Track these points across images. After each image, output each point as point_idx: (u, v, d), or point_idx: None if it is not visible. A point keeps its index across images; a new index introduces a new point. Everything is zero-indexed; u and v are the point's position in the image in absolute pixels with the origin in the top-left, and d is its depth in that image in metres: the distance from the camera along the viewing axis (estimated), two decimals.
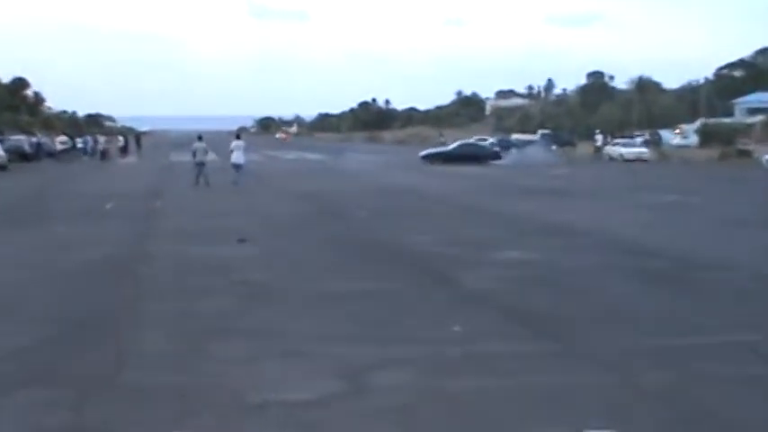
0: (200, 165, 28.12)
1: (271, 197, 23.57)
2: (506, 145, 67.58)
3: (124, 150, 56.80)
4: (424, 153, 47.56)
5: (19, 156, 47.59)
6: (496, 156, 47.08)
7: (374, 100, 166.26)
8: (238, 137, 29.69)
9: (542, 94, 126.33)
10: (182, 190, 26.14)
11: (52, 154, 52.14)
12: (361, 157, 55.04)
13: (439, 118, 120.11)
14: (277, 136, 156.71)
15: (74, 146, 54.99)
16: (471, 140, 56.20)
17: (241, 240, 13.84)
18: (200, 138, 29.34)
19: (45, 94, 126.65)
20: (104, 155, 52.66)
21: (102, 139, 55.98)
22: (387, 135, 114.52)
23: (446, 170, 39.10)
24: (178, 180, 30.50)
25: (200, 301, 8.99)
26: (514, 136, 78.23)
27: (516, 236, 14.69)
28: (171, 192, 25.67)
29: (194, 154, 28.65)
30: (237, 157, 28.50)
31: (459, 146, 48.87)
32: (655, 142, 61.53)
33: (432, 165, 43.21)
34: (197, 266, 11.33)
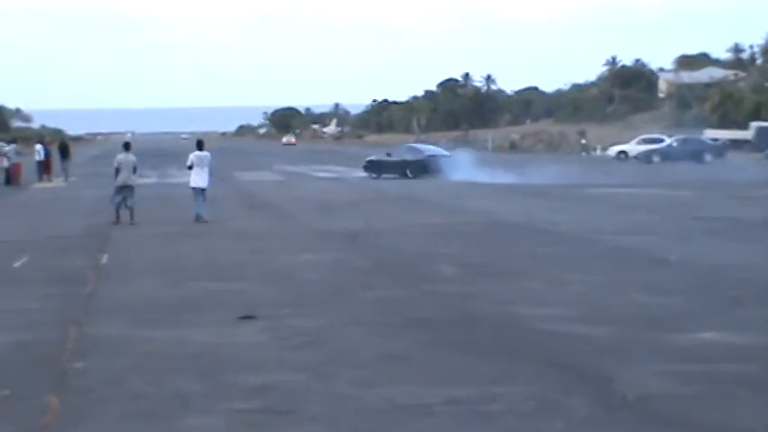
0: (125, 189, 29.10)
1: (293, 241, 23.82)
2: (698, 149, 67.17)
3: (45, 168, 57.83)
4: (368, 159, 57.54)
5: None
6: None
7: (467, 77, 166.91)
8: (200, 146, 30.47)
9: (758, 60, 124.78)
10: (141, 233, 26.60)
11: None
12: (447, 172, 55.12)
13: (577, 106, 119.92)
14: (284, 141, 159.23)
15: None
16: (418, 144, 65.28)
17: (245, 317, 14.02)
18: (126, 146, 30.40)
19: None
20: (11, 176, 53.79)
21: (7, 148, 56.98)
22: (489, 134, 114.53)
23: (584, 195, 39.01)
24: (136, 215, 31.00)
25: None
26: (710, 133, 77.66)
27: (715, 305, 14.59)
28: (124, 236, 26.16)
29: (117, 172, 29.41)
30: (198, 176, 29.51)
31: (402, 150, 58.24)
32: None
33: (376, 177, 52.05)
34: (161, 367, 11.48)
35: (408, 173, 53.34)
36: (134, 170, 29.51)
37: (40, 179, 55.84)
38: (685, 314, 13.95)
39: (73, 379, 10.86)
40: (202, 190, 29.40)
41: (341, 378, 10.62)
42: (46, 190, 49.45)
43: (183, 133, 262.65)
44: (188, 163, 30.08)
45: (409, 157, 55.39)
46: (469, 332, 12.97)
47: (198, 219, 28.85)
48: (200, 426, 9.14)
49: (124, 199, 29.04)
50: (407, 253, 21.36)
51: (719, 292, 15.91)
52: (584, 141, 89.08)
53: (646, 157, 68.76)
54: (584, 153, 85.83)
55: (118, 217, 28.82)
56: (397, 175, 53.43)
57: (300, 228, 27.52)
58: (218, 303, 15.34)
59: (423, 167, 53.65)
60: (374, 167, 55.81)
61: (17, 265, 20.67)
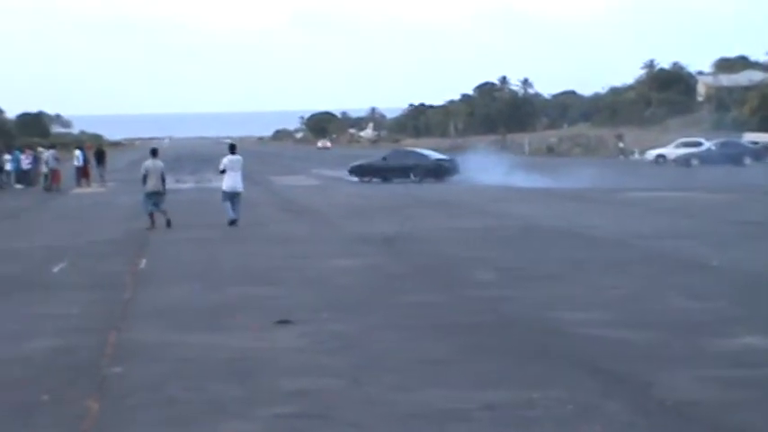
0: (155, 195, 29.27)
1: (329, 245, 23.87)
2: (737, 152, 66.84)
3: (83, 173, 58.18)
4: (353, 165, 59.15)
5: None
6: (448, 168, 55.21)
7: (504, 80, 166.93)
8: (233, 150, 30.56)
9: None
10: (178, 237, 26.74)
11: None
12: (484, 176, 55.10)
13: (615, 110, 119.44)
14: (319, 145, 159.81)
15: None
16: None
17: (282, 321, 14.06)
18: (153, 152, 30.53)
19: None
20: (50, 181, 54.16)
21: (47, 154, 57.31)
22: (526, 138, 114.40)
23: (622, 198, 38.89)
24: (173, 221, 31.14)
25: None
26: (749, 136, 77.24)
27: (757, 310, 14.54)
28: (161, 241, 26.30)
29: (144, 179, 29.60)
30: (233, 180, 29.60)
31: (392, 154, 59.93)
32: None
33: (362, 181, 54.68)
34: (199, 372, 11.52)
35: (413, 176, 54.16)
36: (162, 177, 29.68)
37: (79, 184, 56.21)
38: (727, 319, 13.88)
39: (111, 384, 10.91)
40: (237, 194, 29.55)
41: (378, 383, 10.63)
42: (84, 195, 49.74)
43: (225, 138, 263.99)
44: (221, 167, 30.16)
45: (413, 161, 56.19)
46: (506, 336, 12.96)
47: (232, 223, 28.96)
48: (238, 431, 9.17)
49: (155, 204, 29.20)
50: (444, 257, 21.36)
51: (761, 296, 15.83)
52: (621, 145, 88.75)
53: (684, 161, 68.40)
54: (621, 157, 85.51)
55: (152, 222, 28.93)
56: (396, 180, 54.38)
57: (336, 232, 27.55)
58: (255, 308, 15.40)
59: (432, 171, 54.65)
60: (362, 172, 57.07)
61: (56, 270, 20.81)
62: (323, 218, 32.43)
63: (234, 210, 29.37)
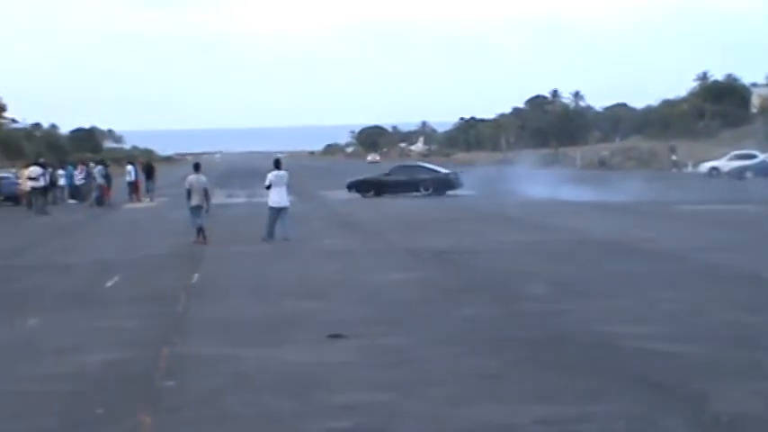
0: (198, 209, 29.60)
1: (381, 259, 23.89)
2: None
3: (135, 188, 58.56)
4: (351, 180, 59.16)
5: None
6: (450, 182, 56.21)
7: (555, 93, 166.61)
8: (278, 166, 30.66)
9: None
10: (230, 251, 26.88)
11: (15, 197, 54.46)
12: (535, 189, 55.02)
13: (666, 121, 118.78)
14: (368, 159, 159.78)
15: (52, 183, 57.16)
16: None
17: (335, 335, 14.10)
18: (196, 167, 30.85)
19: (4, 98, 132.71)
20: (100, 196, 54.53)
21: (96, 169, 57.60)
22: (577, 152, 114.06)
23: (675, 211, 38.68)
24: (223, 236, 31.28)
25: None
26: None
27: None
28: (213, 255, 26.43)
29: (188, 194, 29.94)
30: (278, 196, 29.87)
31: (396, 169, 59.56)
32: None
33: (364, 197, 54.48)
34: (252, 386, 11.57)
35: (423, 190, 54.74)
36: (205, 192, 29.90)
37: (131, 199, 56.65)
38: None
39: (165, 398, 10.98)
40: (283, 209, 29.70)
41: (431, 397, 10.62)
42: (136, 210, 50.11)
43: (277, 153, 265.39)
44: (266, 183, 30.31)
45: (422, 175, 56.79)
46: (560, 351, 12.92)
47: (286, 238, 29.10)
48: None
49: (198, 220, 29.49)
50: (496, 271, 21.33)
51: None
52: (674, 158, 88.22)
53: (738, 174, 67.95)
54: (674, 169, 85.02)
55: (199, 236, 29.18)
56: (402, 194, 54.56)
57: (388, 246, 27.57)
58: (307, 322, 15.44)
59: (444, 184, 55.82)
60: (364, 187, 56.91)
61: (110, 284, 20.97)
62: (374, 231, 32.46)
63: (282, 224, 29.55)
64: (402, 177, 56.74)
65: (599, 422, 9.49)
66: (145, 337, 14.66)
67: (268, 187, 30.16)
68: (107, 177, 56.38)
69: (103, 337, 14.74)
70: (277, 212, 29.71)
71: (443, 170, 59.33)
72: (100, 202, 53.70)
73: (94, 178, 55.56)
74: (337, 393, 10.91)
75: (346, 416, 9.99)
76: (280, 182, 29.98)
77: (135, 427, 9.72)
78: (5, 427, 9.98)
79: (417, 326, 14.99)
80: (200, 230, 29.29)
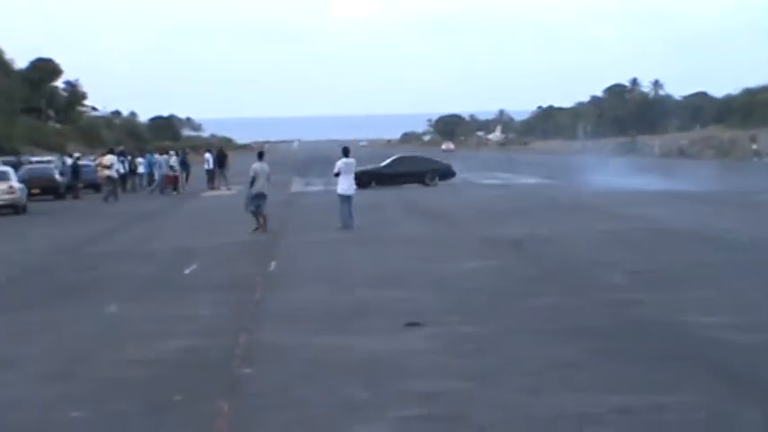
0: (258, 197, 29.64)
1: (458, 248, 23.86)
2: None
3: (212, 177, 58.90)
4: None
5: (45, 189, 50.59)
6: (451, 172, 57.83)
7: (635, 82, 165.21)
8: (346, 153, 30.71)
9: None
10: (304, 241, 26.99)
11: (96, 185, 55.30)
12: (612, 178, 54.69)
13: (747, 110, 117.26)
14: (443, 147, 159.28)
15: (131, 170, 57.76)
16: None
17: (412, 324, 14.10)
18: (260, 155, 31.14)
19: (85, 86, 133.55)
20: (171, 184, 55.16)
21: (173, 159, 58.01)
22: (656, 140, 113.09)
23: (756, 201, 38.26)
24: (301, 224, 31.43)
25: None
26: None
27: None
28: (290, 243, 26.55)
29: (253, 180, 30.04)
30: (347, 184, 29.97)
31: (395, 161, 59.11)
32: None
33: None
34: (329, 374, 11.60)
35: (427, 180, 55.74)
36: (268, 178, 30.15)
37: (210, 187, 57.15)
38: None
39: (242, 385, 11.05)
40: (349, 197, 29.86)
41: (508, 385, 10.59)
42: (213, 197, 50.53)
43: (361, 140, 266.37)
44: (335, 170, 30.42)
45: (426, 166, 58.10)
46: (638, 340, 12.82)
47: (346, 226, 29.25)
48: None
49: (258, 207, 29.56)
50: (574, 260, 21.23)
51: None
52: (755, 147, 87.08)
53: None
54: (755, 159, 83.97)
55: (258, 222, 29.38)
56: (405, 185, 54.65)
57: (465, 234, 27.54)
58: (384, 310, 15.46)
59: (444, 174, 57.37)
60: (365, 179, 53.88)
61: (187, 271, 21.16)
62: (450, 220, 32.46)
63: (346, 213, 29.70)
64: (401, 169, 57.19)
65: (677, 412, 9.41)
66: (222, 325, 14.78)
67: (337, 174, 30.30)
68: (185, 165, 56.98)
69: (182, 325, 14.88)
70: (347, 200, 29.83)
71: (440, 161, 60.67)
72: (162, 190, 54.36)
73: (160, 166, 56.41)
74: (414, 381, 10.90)
75: (423, 404, 9.98)
76: (348, 169, 30.14)
77: (213, 414, 9.79)
78: (85, 412, 10.09)
79: (494, 314, 14.96)
80: (255, 214, 29.48)
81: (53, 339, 14.24)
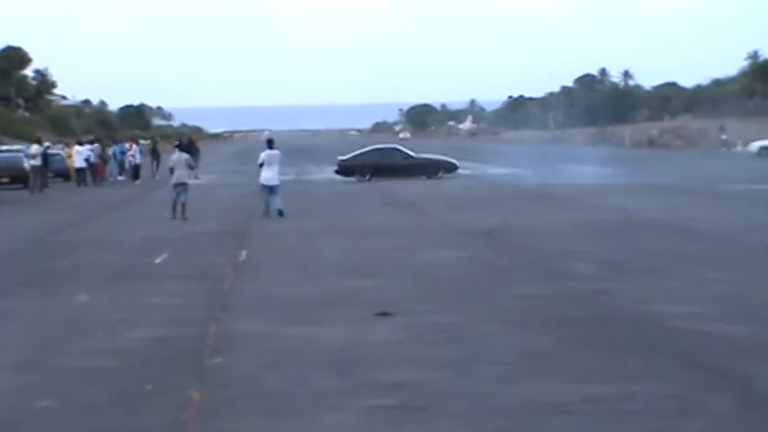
0: (179, 186, 30.13)
1: (429, 238, 23.88)
2: None
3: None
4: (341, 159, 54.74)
5: (14, 178, 50.19)
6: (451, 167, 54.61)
7: (604, 72, 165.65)
8: (270, 145, 31.20)
9: None
10: (278, 229, 26.94)
11: (65, 174, 54.98)
12: (582, 168, 54.83)
13: (715, 100, 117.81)
14: (400, 136, 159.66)
15: (103, 159, 57.62)
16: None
17: (382, 313, 14.10)
18: (178, 146, 32.22)
19: (54, 75, 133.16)
20: (135, 173, 55.27)
21: (134, 148, 58.23)
22: (626, 131, 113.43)
23: (724, 191, 38.41)
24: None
25: None
26: None
27: None
28: (261, 232, 26.51)
29: (171, 170, 30.74)
30: (269, 174, 30.42)
31: (370, 152, 55.65)
32: None
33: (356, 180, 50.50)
34: (298, 363, 11.59)
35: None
36: (189, 168, 31.14)
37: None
38: None
39: (213, 374, 11.03)
40: (273, 188, 30.39)
41: (479, 375, 10.61)
42: None
43: (352, 130, 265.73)
44: (259, 161, 31.02)
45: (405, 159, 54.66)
46: (608, 330, 12.87)
47: (266, 214, 29.93)
48: (337, 422, 9.20)
49: (177, 198, 30.05)
50: (544, 250, 21.26)
51: None
52: (724, 137, 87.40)
53: None
54: (724, 149, 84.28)
55: (174, 213, 29.86)
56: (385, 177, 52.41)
57: (436, 224, 27.56)
58: (354, 300, 15.45)
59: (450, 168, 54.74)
60: (346, 170, 52.99)
61: (158, 261, 21.08)
62: (422, 210, 32.46)
63: (272, 201, 30.23)
64: (380, 160, 53.95)
65: (647, 402, 9.45)
66: (193, 314, 14.73)
67: (261, 165, 30.72)
68: (155, 153, 56.77)
69: (152, 314, 14.83)
70: (269, 190, 30.23)
71: (413, 153, 56.88)
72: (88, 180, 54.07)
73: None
74: (384, 371, 10.91)
75: (393, 393, 9.99)
76: (271, 161, 30.62)
77: (183, 403, 9.77)
78: (55, 402, 10.05)
79: (465, 304, 14.99)
80: (175, 208, 29.88)
81: (21, 329, 14.17)
